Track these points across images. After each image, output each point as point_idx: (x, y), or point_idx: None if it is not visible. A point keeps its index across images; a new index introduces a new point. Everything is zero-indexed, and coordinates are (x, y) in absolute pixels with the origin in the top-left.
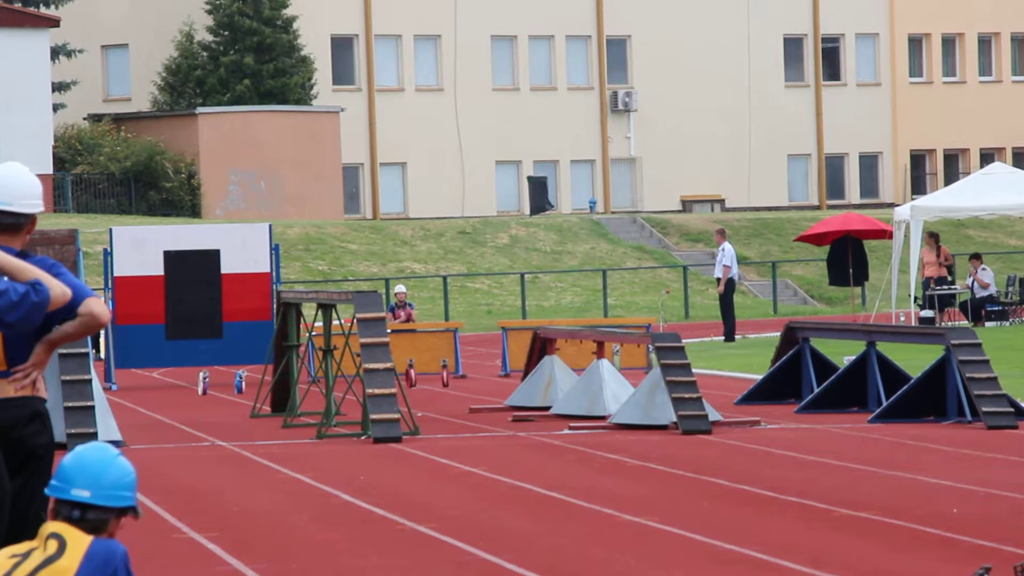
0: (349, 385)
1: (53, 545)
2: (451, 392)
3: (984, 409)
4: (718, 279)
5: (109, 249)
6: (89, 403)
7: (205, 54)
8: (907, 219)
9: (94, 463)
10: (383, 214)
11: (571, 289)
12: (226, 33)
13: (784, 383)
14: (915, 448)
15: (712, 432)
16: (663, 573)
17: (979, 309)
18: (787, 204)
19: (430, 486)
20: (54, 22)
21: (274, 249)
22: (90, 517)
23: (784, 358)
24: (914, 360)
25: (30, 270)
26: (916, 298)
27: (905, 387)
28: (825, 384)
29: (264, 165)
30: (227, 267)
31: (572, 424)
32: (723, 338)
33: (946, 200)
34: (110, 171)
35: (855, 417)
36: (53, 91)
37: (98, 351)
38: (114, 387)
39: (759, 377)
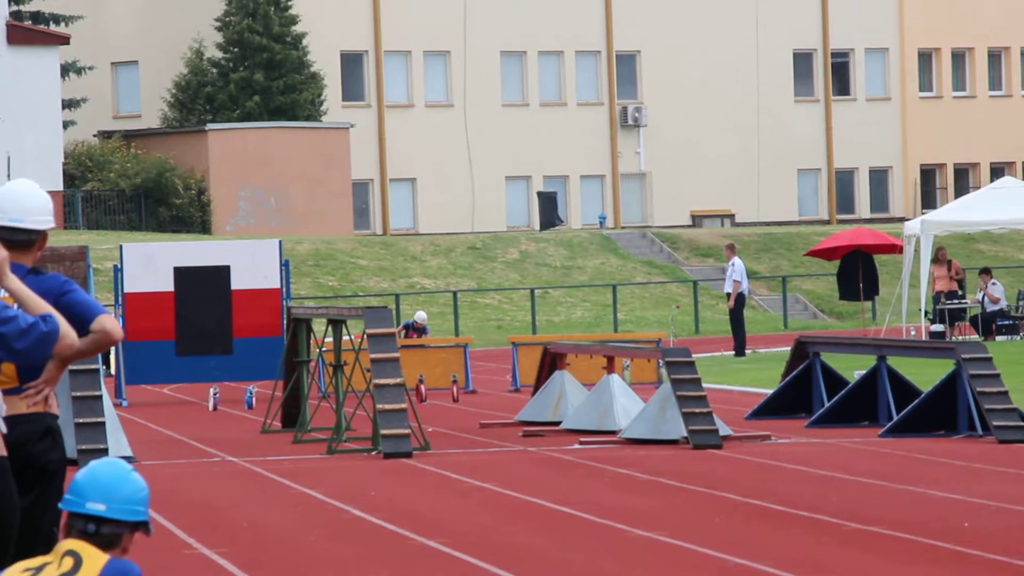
0: (359, 401)
1: (69, 562)
2: (461, 407)
3: (995, 423)
4: (728, 294)
5: (119, 265)
6: (100, 419)
7: (215, 71)
8: (917, 233)
9: (109, 477)
10: (393, 230)
11: (581, 304)
12: (236, 50)
13: (794, 398)
14: (926, 462)
15: (723, 447)
16: None
17: (989, 323)
18: (797, 219)
19: (440, 501)
20: (64, 39)
21: (284, 265)
22: (104, 531)
23: (794, 373)
24: (924, 374)
25: (42, 304)
26: (926, 312)
27: (916, 401)
28: (836, 399)
29: (274, 181)
30: (237, 283)
31: (582, 439)
32: (733, 353)
33: (956, 214)
34: (120, 188)
35: (866, 431)
36: (63, 108)
37: (108, 367)
38: (124, 403)
39: (769, 392)
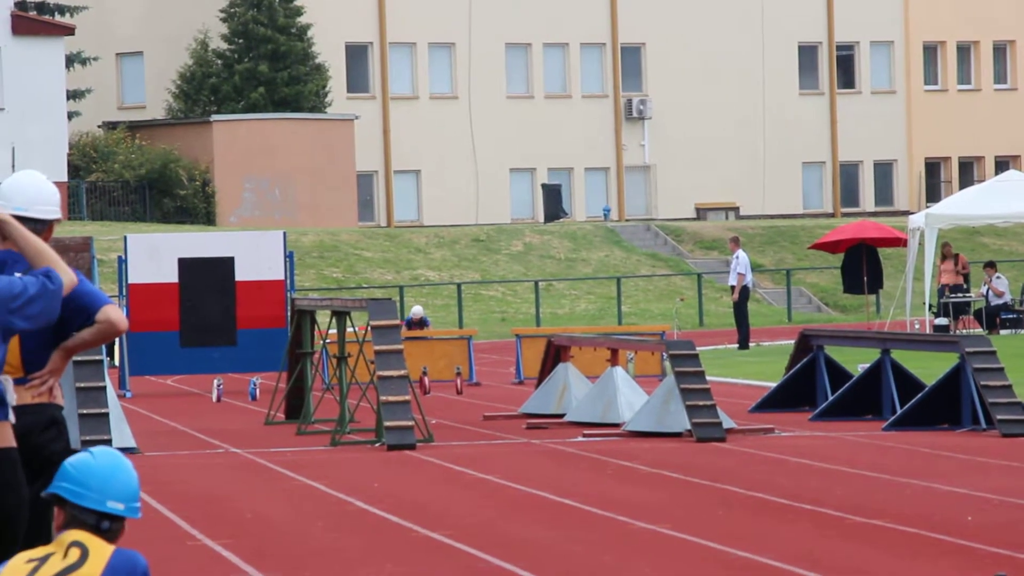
0: (363, 392)
1: (75, 553)
2: (465, 399)
3: (999, 417)
4: (732, 287)
5: (124, 256)
6: (103, 410)
7: (219, 62)
8: (922, 227)
9: (123, 474)
10: (397, 221)
11: (585, 297)
12: (240, 41)
13: (798, 391)
14: (929, 456)
15: (726, 440)
16: None
17: (994, 317)
18: (801, 212)
19: (444, 493)
20: (69, 30)
21: (288, 256)
22: (115, 528)
23: (798, 366)
24: (928, 368)
25: (48, 253)
26: (931, 306)
27: (919, 395)
28: (839, 392)
29: (278, 173)
30: (241, 274)
31: (586, 431)
32: (737, 346)
33: (961, 208)
34: (125, 179)
35: (869, 425)
36: (68, 99)
37: (112, 358)
38: (128, 394)
39: (773, 385)
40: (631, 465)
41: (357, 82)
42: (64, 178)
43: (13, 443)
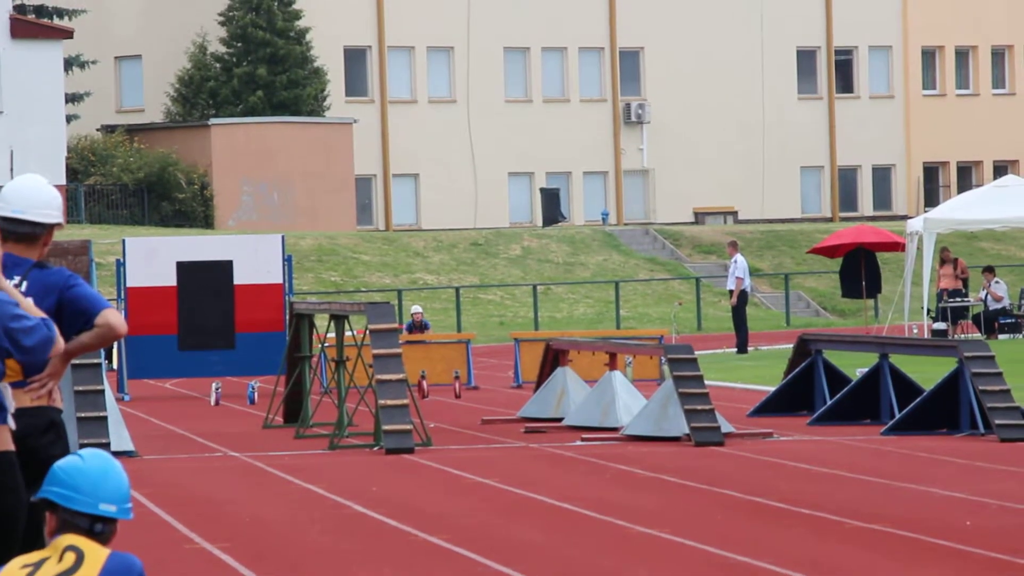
0: (361, 396)
1: (71, 558)
2: (463, 403)
3: (997, 421)
4: (730, 291)
5: (122, 260)
6: (102, 413)
7: (218, 65)
8: (920, 231)
9: (114, 476)
10: (396, 225)
11: (583, 301)
12: (239, 44)
13: (797, 395)
14: (928, 460)
15: (725, 444)
16: None
17: (992, 322)
18: (800, 216)
19: (442, 497)
20: (67, 33)
21: (287, 260)
22: (108, 530)
23: (797, 370)
24: (927, 372)
25: (35, 310)
26: (929, 310)
27: (918, 399)
28: (838, 396)
29: (277, 176)
30: (240, 278)
31: (584, 436)
32: (736, 350)
33: (959, 212)
34: (123, 182)
35: (868, 429)
36: (66, 102)
37: (111, 362)
38: (127, 398)
39: (772, 389)
40: (629, 469)
41: (356, 86)
42: (62, 181)
43: (11, 447)
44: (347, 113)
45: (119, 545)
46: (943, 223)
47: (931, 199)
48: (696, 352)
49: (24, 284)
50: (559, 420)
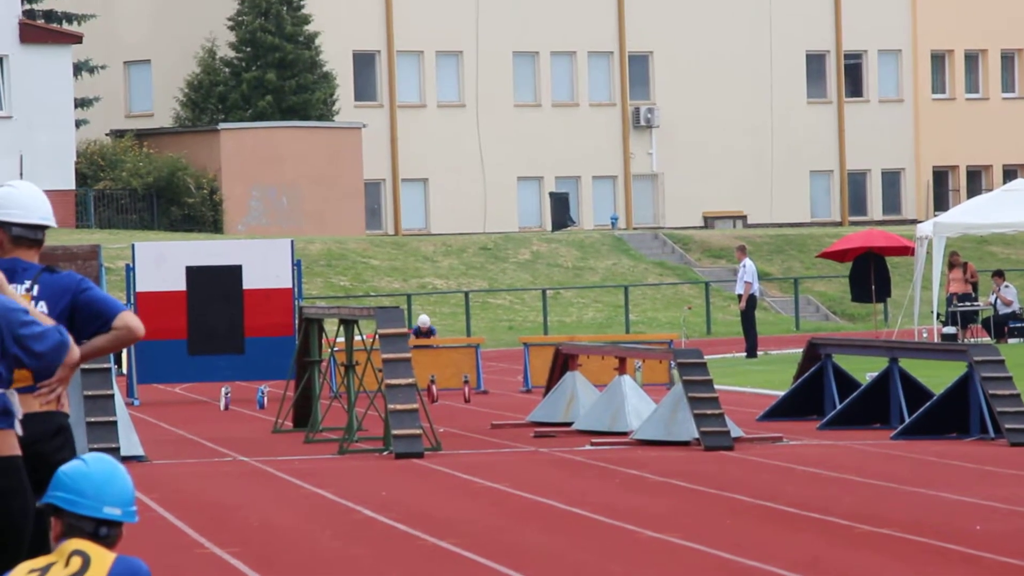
0: (371, 401)
1: (77, 562)
2: (473, 408)
3: (1007, 426)
4: (739, 295)
5: (131, 265)
6: (111, 418)
7: (227, 70)
8: (929, 235)
9: (118, 479)
10: (405, 230)
11: (593, 305)
12: (248, 49)
13: (806, 399)
14: (938, 465)
15: (734, 448)
16: None
17: (1002, 326)
18: (809, 220)
19: (452, 502)
20: (77, 39)
21: (296, 265)
22: (113, 534)
23: (806, 374)
24: (937, 377)
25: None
26: (939, 315)
27: (928, 404)
28: (847, 400)
29: (286, 181)
30: (249, 283)
31: (594, 440)
32: (745, 354)
33: (969, 216)
34: (132, 187)
35: (877, 434)
36: (76, 107)
37: (120, 366)
38: (136, 402)
39: (781, 393)
40: (639, 474)
41: (364, 90)
42: (72, 186)
43: (18, 451)
44: (356, 118)
45: (128, 549)
46: (953, 227)
47: (940, 203)
48: (705, 356)
49: (35, 288)
50: (569, 424)
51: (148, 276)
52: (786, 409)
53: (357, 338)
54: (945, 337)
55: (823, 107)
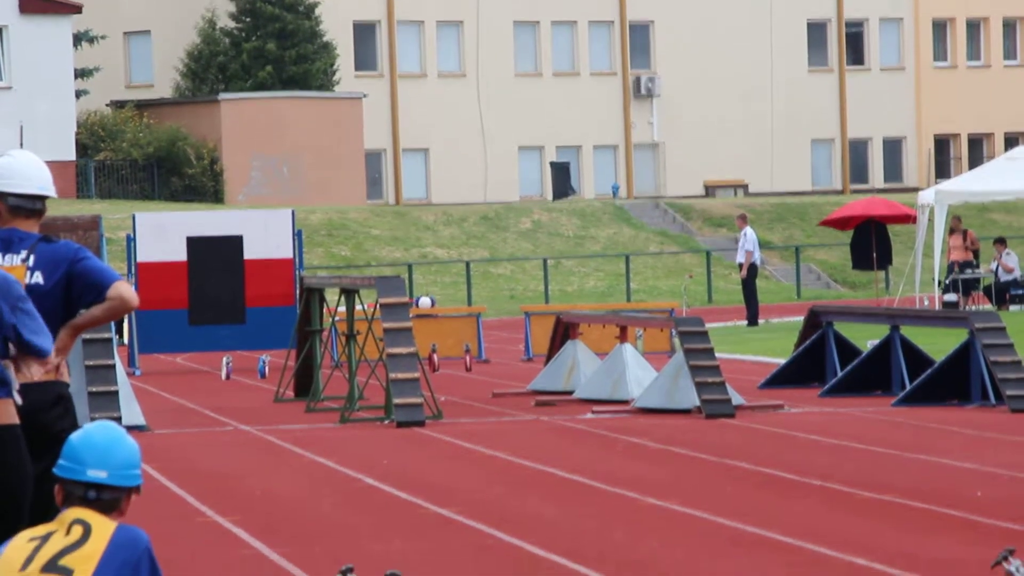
0: (372, 370)
1: (78, 531)
2: (474, 377)
3: (1008, 393)
4: (740, 264)
5: (132, 235)
6: (113, 388)
7: (227, 40)
8: (931, 203)
9: (105, 443)
10: (406, 200)
11: (594, 274)
12: (248, 19)
13: (807, 367)
14: (939, 431)
15: (735, 416)
16: (686, 556)
17: (1003, 293)
18: (810, 189)
19: (453, 470)
20: (76, 9)
21: (297, 235)
22: (105, 497)
23: (807, 342)
24: (938, 344)
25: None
26: (940, 282)
27: (929, 371)
28: (848, 368)
29: (286, 151)
30: (250, 253)
31: (595, 408)
32: (746, 322)
33: (970, 184)
34: (133, 157)
35: (878, 401)
36: (76, 78)
37: (121, 336)
38: (138, 372)
39: (782, 361)
40: (640, 442)
41: (365, 60)
42: (72, 157)
43: (15, 420)
44: (357, 88)
45: (129, 518)
46: (954, 195)
47: (942, 171)
48: (707, 325)
49: (32, 258)
50: (570, 393)
51: (149, 247)
52: (787, 377)
53: (358, 307)
54: (946, 304)
55: (824, 75)
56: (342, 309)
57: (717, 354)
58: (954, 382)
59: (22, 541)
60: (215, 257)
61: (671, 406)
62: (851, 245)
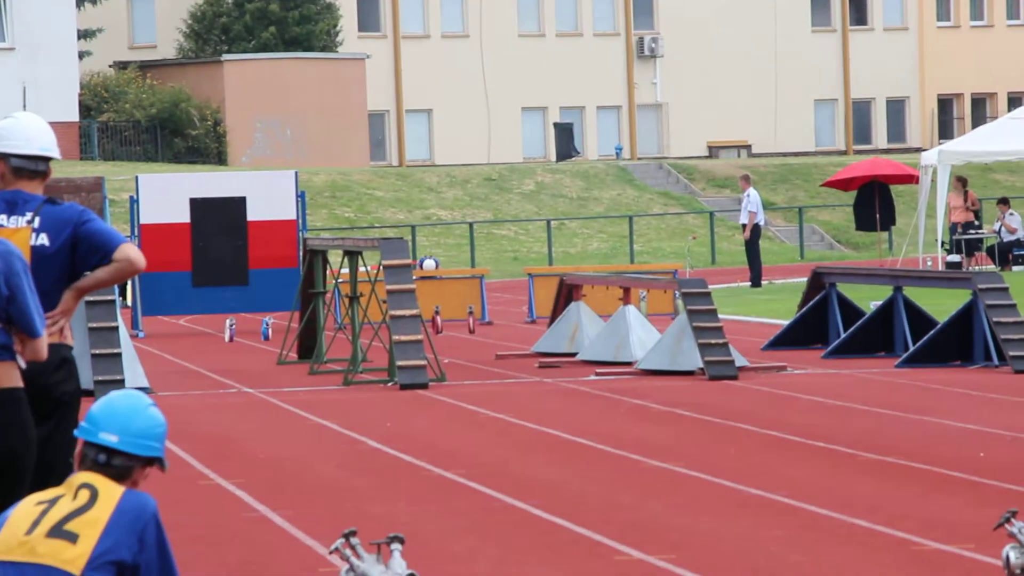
0: (375, 332)
1: (85, 495)
2: (477, 339)
3: (1011, 353)
4: (743, 225)
5: (135, 196)
6: (116, 350)
7: (230, 1)
8: (934, 164)
9: (124, 409)
10: (409, 161)
11: (597, 236)
12: None
13: (811, 328)
14: (942, 392)
15: (738, 378)
16: (690, 518)
17: (1006, 254)
18: (814, 149)
19: (456, 432)
20: None
21: (300, 196)
22: (115, 463)
23: (811, 303)
24: (941, 305)
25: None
26: (943, 243)
27: (932, 332)
28: (852, 329)
29: (290, 112)
30: (253, 214)
31: (598, 370)
32: (749, 284)
33: (973, 145)
34: (136, 119)
35: (882, 362)
36: (79, 38)
37: (125, 299)
38: (141, 334)
39: (786, 323)
40: (644, 403)
41: (368, 21)
42: (75, 118)
43: (19, 383)
44: (360, 49)
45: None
46: (957, 155)
47: (945, 131)
48: (710, 286)
49: (37, 220)
50: (573, 355)
51: (152, 208)
52: (790, 338)
53: (361, 269)
54: (949, 265)
55: (827, 36)
56: (345, 271)
57: (720, 315)
58: (957, 343)
59: (29, 505)
60: (218, 219)
61: (674, 368)
62: (854, 206)
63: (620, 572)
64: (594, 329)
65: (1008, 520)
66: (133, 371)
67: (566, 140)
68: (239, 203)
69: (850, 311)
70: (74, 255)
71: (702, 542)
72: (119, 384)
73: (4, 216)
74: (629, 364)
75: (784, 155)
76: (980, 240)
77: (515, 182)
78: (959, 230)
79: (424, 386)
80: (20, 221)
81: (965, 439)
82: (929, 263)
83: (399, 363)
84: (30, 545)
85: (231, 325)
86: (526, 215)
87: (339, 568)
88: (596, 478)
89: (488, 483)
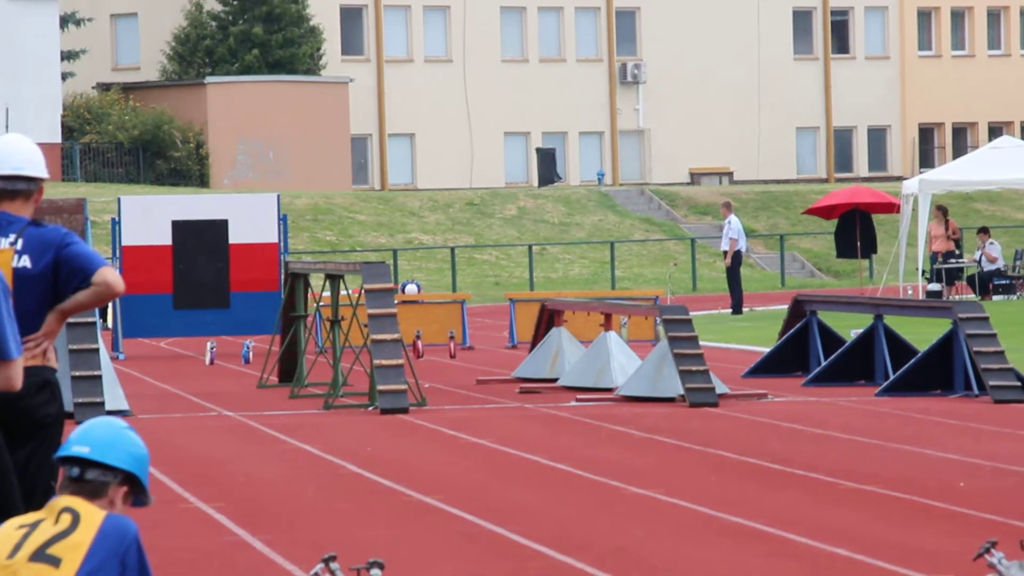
0: (356, 356)
1: (67, 519)
2: (458, 363)
3: (991, 383)
4: (724, 252)
5: (117, 218)
6: (96, 372)
7: (214, 23)
8: (915, 192)
9: (100, 426)
10: (391, 185)
11: (579, 261)
12: (235, 3)
13: (791, 356)
14: (922, 421)
15: (719, 405)
16: (669, 545)
17: (987, 283)
18: (795, 177)
19: (437, 457)
20: None
21: (282, 219)
22: (88, 476)
23: (791, 331)
24: (921, 333)
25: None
26: (924, 271)
27: (912, 360)
28: (832, 357)
29: (272, 135)
30: (235, 237)
31: (579, 396)
32: (730, 311)
33: (954, 174)
34: (118, 140)
35: (862, 390)
36: (62, 60)
37: (105, 320)
38: (121, 356)
39: (766, 350)
40: (624, 430)
41: (351, 45)
42: (58, 139)
43: None
44: (343, 72)
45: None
46: (939, 184)
47: (926, 160)
48: (691, 313)
49: (20, 242)
50: (554, 380)
51: (134, 230)
52: (771, 366)
53: (343, 293)
54: (930, 294)
55: (810, 64)
56: (327, 294)
57: (701, 342)
58: (937, 372)
59: (11, 529)
60: (200, 241)
61: (655, 394)
62: (835, 234)
63: None
64: (575, 355)
65: (988, 551)
66: (113, 393)
67: (548, 165)
68: (221, 226)
69: (831, 339)
70: (56, 277)
71: (681, 569)
72: (99, 406)
73: None
74: (610, 390)
75: (766, 182)
76: (960, 269)
77: (497, 207)
78: (940, 259)
79: (404, 411)
80: (3, 243)
81: (945, 468)
82: (910, 292)
83: (380, 387)
84: (12, 569)
85: (212, 348)
86: (508, 240)
87: None
88: (576, 504)
89: (468, 508)
